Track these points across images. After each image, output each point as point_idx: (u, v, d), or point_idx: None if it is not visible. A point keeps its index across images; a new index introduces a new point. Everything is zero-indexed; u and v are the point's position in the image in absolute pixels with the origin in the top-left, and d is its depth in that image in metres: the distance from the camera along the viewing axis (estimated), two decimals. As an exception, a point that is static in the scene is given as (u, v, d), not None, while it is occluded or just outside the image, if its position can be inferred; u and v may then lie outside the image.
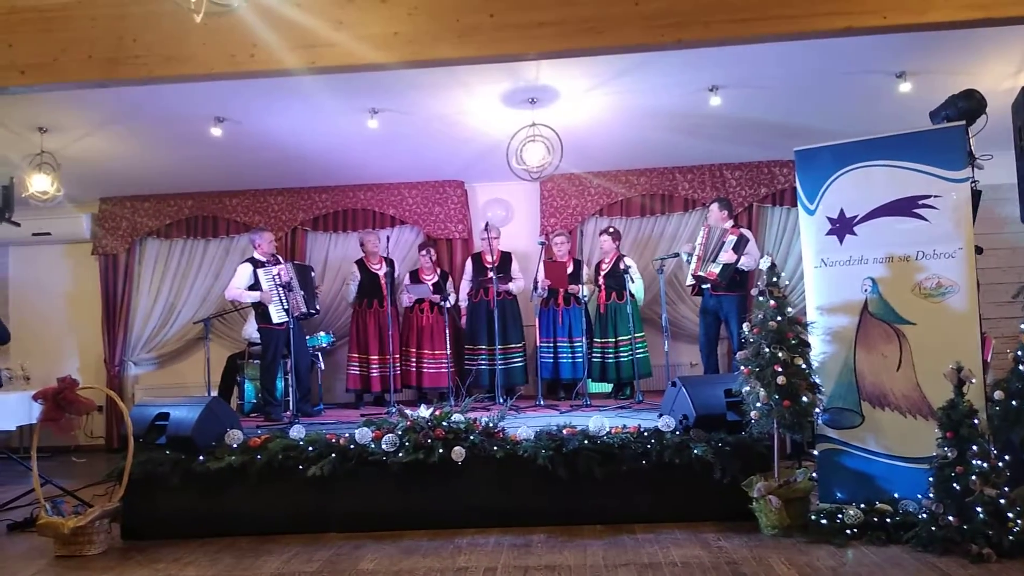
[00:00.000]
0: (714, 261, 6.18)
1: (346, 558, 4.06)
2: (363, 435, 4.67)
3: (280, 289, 6.22)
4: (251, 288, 6.28)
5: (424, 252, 7.25)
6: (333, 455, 4.57)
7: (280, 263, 6.42)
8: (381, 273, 7.09)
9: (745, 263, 6.12)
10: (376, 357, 7.05)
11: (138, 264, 8.16)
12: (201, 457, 4.66)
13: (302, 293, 6.39)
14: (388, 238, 7.06)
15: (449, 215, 7.88)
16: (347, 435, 4.72)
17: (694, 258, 6.32)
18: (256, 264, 6.35)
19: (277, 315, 6.22)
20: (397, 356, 6.92)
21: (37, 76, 4.32)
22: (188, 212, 8.07)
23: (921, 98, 5.16)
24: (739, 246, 6.12)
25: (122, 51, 4.27)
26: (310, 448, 4.64)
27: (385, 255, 6.99)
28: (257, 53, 4.21)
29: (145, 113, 5.72)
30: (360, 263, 7.24)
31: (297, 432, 4.83)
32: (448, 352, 6.86)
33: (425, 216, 7.89)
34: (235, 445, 4.73)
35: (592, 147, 6.82)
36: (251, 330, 6.92)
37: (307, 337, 6.81)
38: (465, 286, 7.18)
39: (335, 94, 5.45)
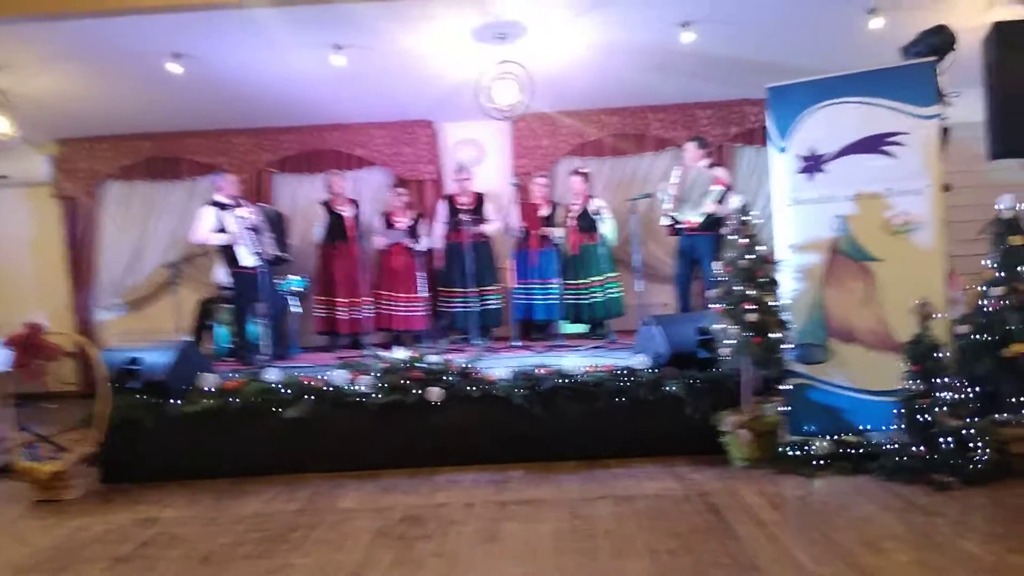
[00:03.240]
0: (697, 209, 6.16)
1: (326, 496, 4.11)
2: (340, 377, 4.69)
3: (249, 231, 6.11)
4: (218, 232, 6.17)
5: (396, 193, 7.16)
6: (310, 397, 4.59)
7: (242, 205, 6.30)
8: (346, 214, 7.01)
9: (723, 211, 6.13)
10: (344, 300, 6.98)
11: (101, 208, 7.96)
12: (176, 401, 4.65)
13: (272, 235, 6.29)
14: (356, 180, 6.94)
15: (419, 156, 7.77)
16: (323, 377, 4.73)
17: (670, 198, 6.31)
18: (220, 206, 6.23)
19: (247, 258, 6.13)
20: (368, 298, 6.88)
21: (-17, 9, 4.15)
22: (148, 153, 7.84)
23: (892, 34, 5.14)
24: (724, 198, 6.11)
25: (73, -19, 4.11)
26: (286, 390, 4.65)
27: (354, 197, 6.90)
28: (212, -19, 4.07)
29: (99, 48, 5.51)
30: (326, 204, 7.14)
31: (272, 375, 4.83)
32: (423, 294, 6.83)
33: (394, 157, 7.77)
34: (210, 389, 4.72)
35: (563, 85, 6.72)
36: (222, 274, 6.82)
37: (280, 281, 6.74)
38: (439, 228, 7.12)
39: (298, 28, 5.28)
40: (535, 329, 7.02)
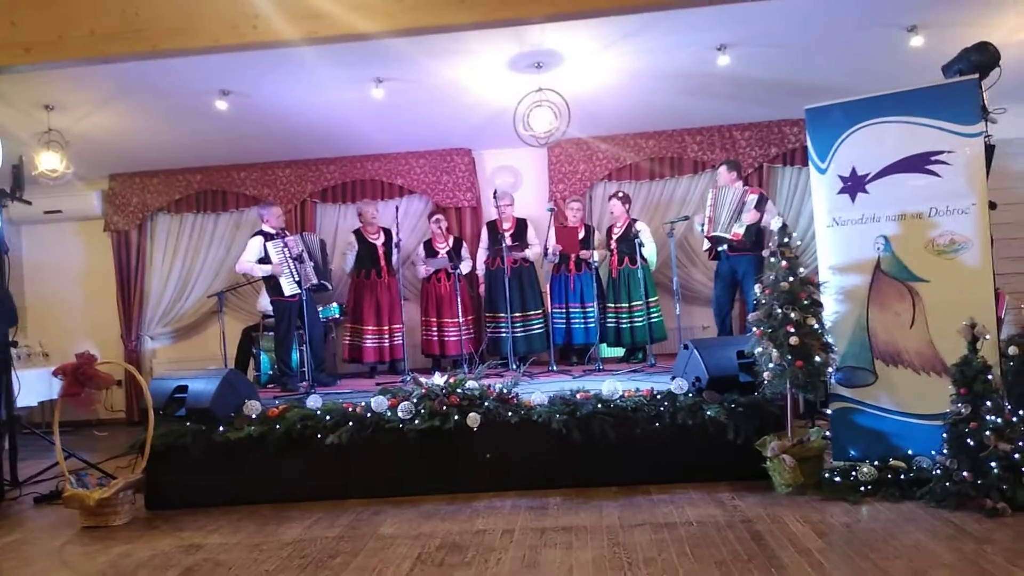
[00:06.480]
0: (737, 221, 6.12)
1: (366, 523, 4.13)
2: (379, 403, 4.73)
3: (291, 261, 6.25)
4: (261, 261, 6.31)
5: (434, 220, 7.25)
6: (351, 423, 4.64)
7: (288, 236, 6.44)
8: (378, 243, 7.11)
9: (767, 220, 6.09)
10: (371, 328, 7.05)
11: (150, 240, 8.23)
12: (221, 428, 4.73)
13: (312, 264, 6.42)
14: (397, 208, 7.03)
15: (457, 183, 7.87)
16: (363, 404, 4.78)
17: (706, 221, 6.29)
18: (266, 237, 6.38)
19: (289, 287, 6.26)
20: (399, 326, 6.89)
21: (42, 54, 4.32)
22: (197, 187, 8.10)
23: (933, 52, 5.07)
24: (760, 204, 6.09)
25: (125, 25, 4.26)
26: (327, 417, 4.70)
27: (393, 227, 6.99)
28: (259, 24, 4.19)
29: (150, 88, 5.72)
30: (358, 233, 7.25)
31: (314, 402, 4.90)
32: (467, 319, 6.88)
33: (433, 185, 7.89)
34: (254, 416, 4.80)
35: (599, 111, 6.76)
36: (265, 302, 6.97)
37: (321, 308, 6.85)
38: (482, 254, 7.20)
39: (339, 64, 5.42)
40: (574, 353, 7.00)
